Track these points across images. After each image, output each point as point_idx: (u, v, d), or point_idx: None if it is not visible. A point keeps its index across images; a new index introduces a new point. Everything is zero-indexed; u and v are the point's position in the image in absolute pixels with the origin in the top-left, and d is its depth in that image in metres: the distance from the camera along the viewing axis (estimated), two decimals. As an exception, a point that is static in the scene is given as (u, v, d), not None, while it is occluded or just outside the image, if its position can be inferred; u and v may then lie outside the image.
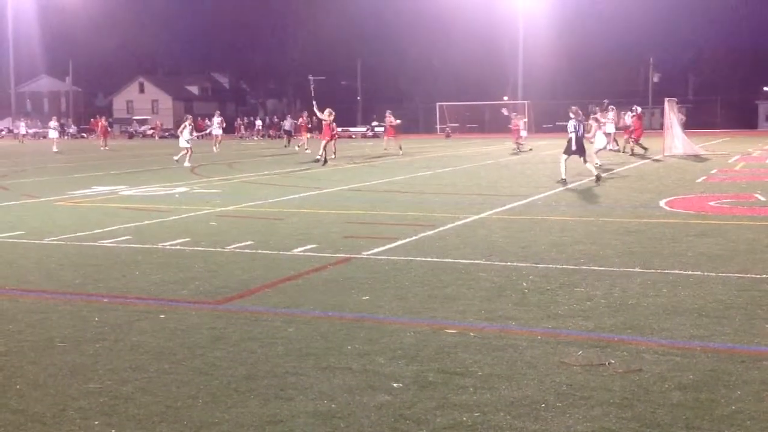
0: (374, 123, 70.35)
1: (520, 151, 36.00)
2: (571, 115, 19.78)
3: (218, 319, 6.94)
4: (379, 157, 34.16)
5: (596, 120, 26.07)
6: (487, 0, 75.31)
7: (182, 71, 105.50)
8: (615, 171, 23.57)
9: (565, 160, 19.71)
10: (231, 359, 5.82)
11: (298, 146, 37.91)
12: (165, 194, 18.53)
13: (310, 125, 41.55)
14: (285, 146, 45.67)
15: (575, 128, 19.40)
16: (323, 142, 29.24)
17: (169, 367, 5.68)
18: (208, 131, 44.73)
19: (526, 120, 39.93)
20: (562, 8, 74.44)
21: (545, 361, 5.68)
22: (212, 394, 5.12)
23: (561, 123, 35.05)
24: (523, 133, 38.54)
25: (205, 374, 5.50)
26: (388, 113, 40.26)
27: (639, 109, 32.67)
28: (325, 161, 28.50)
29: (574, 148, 19.48)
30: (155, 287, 8.31)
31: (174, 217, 14.03)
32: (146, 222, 13.42)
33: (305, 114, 41.14)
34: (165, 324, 6.84)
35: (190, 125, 30.94)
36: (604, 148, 25.23)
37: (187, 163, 29.23)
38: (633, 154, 30.79)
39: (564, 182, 19.19)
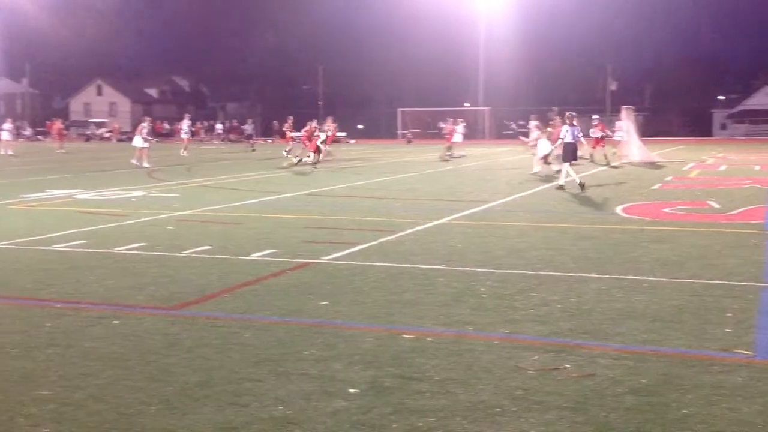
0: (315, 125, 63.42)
1: (450, 158, 35.10)
2: (567, 121, 20.17)
3: (173, 325, 6.87)
4: (337, 161, 34.06)
5: (538, 128, 26.80)
6: (450, 8, 75.74)
7: (141, 74, 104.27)
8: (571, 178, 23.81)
9: (570, 165, 19.98)
10: (185, 365, 5.76)
11: (290, 154, 36.63)
12: (122, 198, 18.30)
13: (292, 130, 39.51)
14: (252, 150, 45.25)
15: (574, 135, 19.88)
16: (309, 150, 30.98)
17: (122, 373, 5.60)
18: (189, 134, 44.01)
19: (460, 125, 39.35)
20: (522, 16, 75.14)
21: (501, 365, 5.71)
22: (166, 400, 5.06)
23: (520, 130, 35.17)
24: (458, 138, 38.23)
25: (159, 381, 5.44)
26: (328, 119, 38.93)
27: (597, 118, 33.32)
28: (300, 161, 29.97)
29: (565, 153, 19.94)
30: (109, 292, 8.19)
31: (130, 222, 13.86)
32: (102, 226, 13.24)
33: (290, 120, 39.25)
34: (118, 330, 6.75)
35: (148, 125, 31.87)
36: (549, 154, 25.59)
37: (135, 161, 30.52)
38: (592, 161, 31.19)
39: (582, 186, 19.28)
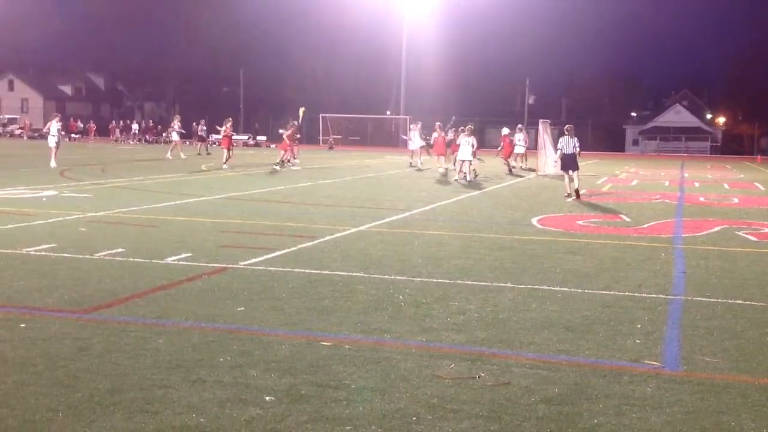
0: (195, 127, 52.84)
1: (283, 166, 34.31)
2: (565, 132, 21.33)
3: (83, 329, 6.66)
4: (257, 165, 33.74)
5: (447, 135, 27.97)
6: (372, 14, 76.04)
7: (55, 70, 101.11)
8: (490, 188, 24.19)
9: (569, 175, 21.16)
10: (95, 371, 5.59)
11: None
12: (31, 197, 17.70)
13: (232, 135, 36.67)
14: (208, 154, 42.59)
15: (574, 145, 20.94)
16: (283, 152, 32.13)
17: (29, 378, 5.40)
18: (180, 136, 40.81)
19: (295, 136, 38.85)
20: (446, 28, 76.04)
21: (418, 374, 5.73)
22: (73, 407, 4.89)
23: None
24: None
25: (67, 386, 5.26)
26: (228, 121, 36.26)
27: (507, 131, 34.55)
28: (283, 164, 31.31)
29: (563, 162, 21.20)
30: (17, 295, 7.90)
31: (40, 222, 13.41)
32: (10, 226, 12.77)
33: (228, 123, 36.19)
34: (25, 333, 6.51)
35: (57, 123, 31.68)
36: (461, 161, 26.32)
37: (53, 163, 29.41)
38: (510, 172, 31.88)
39: (569, 196, 20.76)
